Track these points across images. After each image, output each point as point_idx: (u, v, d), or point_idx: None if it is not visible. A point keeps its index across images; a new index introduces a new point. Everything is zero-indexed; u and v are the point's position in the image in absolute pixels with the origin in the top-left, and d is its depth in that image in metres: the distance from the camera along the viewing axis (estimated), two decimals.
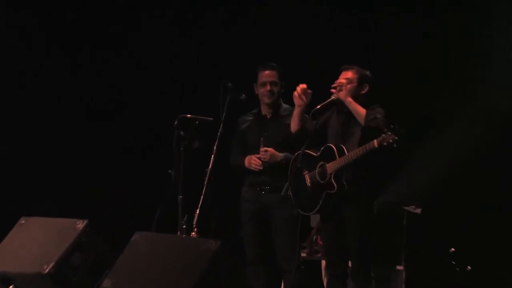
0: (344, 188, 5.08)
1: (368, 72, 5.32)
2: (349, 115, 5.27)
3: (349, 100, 5.13)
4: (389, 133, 4.77)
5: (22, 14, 6.62)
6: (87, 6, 6.73)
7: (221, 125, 5.61)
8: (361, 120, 5.04)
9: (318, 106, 5.25)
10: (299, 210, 5.29)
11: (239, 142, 5.90)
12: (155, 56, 6.88)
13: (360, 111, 5.10)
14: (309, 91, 5.32)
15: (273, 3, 6.54)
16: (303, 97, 5.32)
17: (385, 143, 4.80)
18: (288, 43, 6.34)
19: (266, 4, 6.59)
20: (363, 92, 5.33)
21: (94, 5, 6.77)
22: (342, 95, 5.16)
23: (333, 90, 5.25)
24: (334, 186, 5.05)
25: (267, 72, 5.77)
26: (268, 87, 5.79)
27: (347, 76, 5.28)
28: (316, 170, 5.23)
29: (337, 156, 5.11)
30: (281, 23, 6.52)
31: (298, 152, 5.27)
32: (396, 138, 4.75)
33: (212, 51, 6.79)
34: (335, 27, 6.40)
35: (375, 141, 4.84)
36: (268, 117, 5.80)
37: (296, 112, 5.37)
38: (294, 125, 5.38)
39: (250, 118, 5.90)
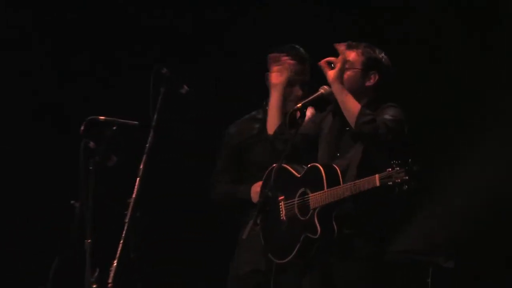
0: (332, 234, 4.43)
1: (382, 55, 4.68)
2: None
3: (337, 87, 4.49)
4: (397, 168, 4.22)
5: (22, 14, 6.93)
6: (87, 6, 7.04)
7: (151, 132, 4.89)
8: (351, 120, 4.43)
9: (299, 104, 4.56)
10: (270, 256, 4.70)
11: (229, 163, 5.31)
12: None
13: (351, 105, 4.47)
14: (289, 60, 4.95)
15: (273, 3, 6.72)
16: (281, 67, 4.91)
17: (391, 183, 4.24)
18: (287, 42, 5.77)
19: (266, 4, 6.75)
20: (369, 83, 4.63)
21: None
22: (330, 75, 4.53)
23: (322, 64, 4.66)
24: (317, 230, 4.43)
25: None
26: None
27: (348, 57, 4.63)
28: (296, 200, 4.59)
29: (325, 185, 4.46)
30: (281, 23, 6.64)
31: (272, 167, 4.66)
32: (407, 178, 4.19)
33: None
34: (335, 27, 6.49)
35: (376, 177, 4.28)
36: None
37: (274, 97, 4.90)
38: (272, 122, 4.88)
39: (256, 125, 5.28)
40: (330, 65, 4.60)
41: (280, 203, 4.70)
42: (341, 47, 4.66)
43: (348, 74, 4.59)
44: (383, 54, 4.70)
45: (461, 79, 6.31)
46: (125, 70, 7.06)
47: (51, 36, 7.04)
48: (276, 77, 4.93)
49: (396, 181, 4.22)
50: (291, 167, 4.72)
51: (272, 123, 4.92)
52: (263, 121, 5.18)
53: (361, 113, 4.42)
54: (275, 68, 4.98)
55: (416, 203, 6.08)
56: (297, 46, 5.23)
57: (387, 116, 4.42)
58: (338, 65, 4.53)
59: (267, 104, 5.15)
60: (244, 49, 6.78)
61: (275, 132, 4.87)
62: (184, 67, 5.55)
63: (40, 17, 6.99)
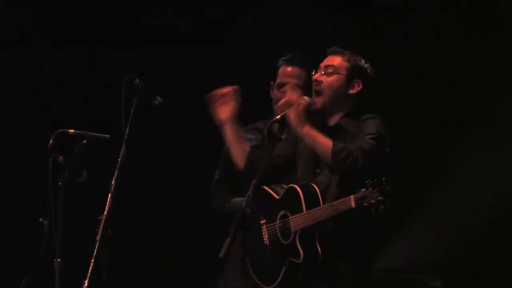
0: (317, 256, 4.33)
1: (366, 64, 4.59)
2: (330, 131, 4.51)
3: (302, 130, 4.41)
4: (371, 189, 4.14)
5: (22, 14, 6.91)
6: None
7: (124, 146, 4.79)
8: (327, 159, 4.31)
9: (278, 116, 4.49)
10: (257, 282, 4.57)
11: (227, 173, 5.21)
12: None
13: (323, 143, 4.36)
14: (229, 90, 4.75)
15: (273, 3, 6.68)
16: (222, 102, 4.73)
17: (366, 204, 4.15)
18: (287, 42, 6.05)
19: (266, 4, 6.70)
20: (352, 91, 4.52)
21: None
22: (290, 118, 4.44)
23: (279, 107, 4.64)
24: (300, 254, 4.34)
25: (289, 69, 5.11)
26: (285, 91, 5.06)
27: (331, 62, 4.55)
28: (277, 223, 4.48)
29: (303, 208, 4.36)
30: (281, 23, 6.61)
31: (253, 183, 4.49)
32: (381, 198, 4.10)
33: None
34: (335, 27, 6.43)
35: (351, 198, 4.18)
36: (283, 137, 4.80)
37: (229, 133, 4.72)
38: (237, 157, 4.74)
39: (253, 136, 5.17)
40: (289, 105, 4.52)
41: (263, 227, 4.64)
42: (326, 63, 4.62)
43: (332, 78, 4.49)
44: (368, 64, 4.63)
45: (461, 79, 6.30)
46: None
47: (51, 36, 7.01)
48: (222, 112, 4.80)
49: (371, 201, 4.16)
50: (270, 189, 4.65)
51: (238, 156, 4.82)
52: (265, 132, 5.01)
53: (335, 151, 4.32)
54: (217, 106, 4.82)
55: (402, 220, 6.05)
56: (298, 54, 5.18)
57: (366, 139, 4.32)
58: (295, 106, 4.43)
59: (271, 116, 5.02)
60: (244, 49, 6.74)
61: (245, 166, 4.78)
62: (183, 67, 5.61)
63: (40, 17, 6.94)
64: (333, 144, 4.32)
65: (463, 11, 6.26)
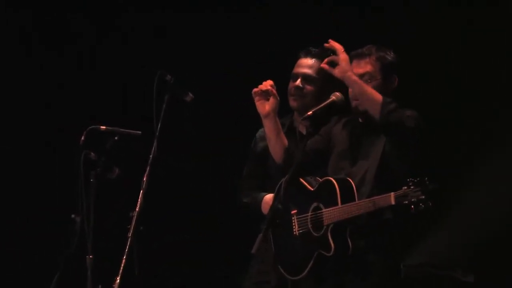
0: (347, 251, 4.35)
1: (392, 54, 4.57)
2: (365, 127, 4.51)
3: (351, 79, 4.37)
4: (413, 187, 4.16)
5: (22, 14, 6.93)
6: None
7: (155, 143, 4.83)
8: (375, 111, 4.33)
9: (310, 112, 4.41)
10: (283, 272, 4.61)
11: (255, 169, 5.18)
12: None
13: (372, 95, 4.37)
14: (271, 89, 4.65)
15: (273, 3, 6.66)
16: (269, 97, 4.64)
17: (406, 202, 4.17)
18: (287, 42, 6.01)
19: (266, 4, 6.68)
20: (393, 87, 4.55)
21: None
22: (338, 72, 4.40)
23: (325, 66, 4.48)
24: (331, 247, 4.34)
25: (304, 60, 5.03)
26: (298, 82, 4.98)
27: (363, 70, 4.50)
28: (309, 214, 4.46)
29: (339, 201, 4.37)
30: (281, 23, 6.58)
31: (283, 179, 4.47)
32: (423, 197, 4.13)
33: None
34: (335, 27, 6.23)
35: (392, 195, 4.21)
36: (305, 133, 4.74)
37: (268, 127, 4.66)
38: (274, 152, 4.69)
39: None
40: (333, 64, 4.48)
41: (293, 217, 4.62)
42: (335, 44, 4.54)
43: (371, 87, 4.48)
44: (392, 53, 4.60)
45: (461, 79, 6.27)
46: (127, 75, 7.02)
47: (51, 36, 7.06)
48: (264, 106, 4.76)
49: (412, 200, 4.17)
50: (304, 180, 4.62)
51: (277, 151, 4.78)
52: (288, 128, 5.09)
53: (384, 102, 4.30)
54: (260, 100, 4.79)
55: (432, 216, 5.73)
56: (316, 48, 5.12)
57: (408, 113, 4.33)
58: (342, 57, 4.40)
59: (291, 112, 5.06)
60: (244, 48, 6.70)
61: (283, 160, 4.75)
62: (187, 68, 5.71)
63: (40, 17, 6.95)
64: (383, 97, 4.32)
65: (463, 11, 6.22)
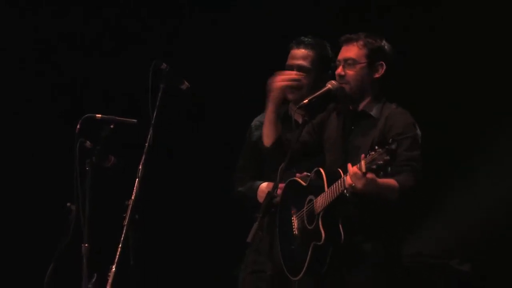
0: (339, 239, 4.27)
1: (382, 42, 4.50)
2: (356, 116, 4.51)
3: (370, 187, 4.24)
4: (380, 150, 4.07)
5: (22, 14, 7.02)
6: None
7: (151, 131, 4.85)
8: (394, 196, 4.28)
9: (306, 101, 4.42)
10: (287, 274, 4.56)
11: (250, 158, 5.17)
12: None
13: (389, 188, 4.28)
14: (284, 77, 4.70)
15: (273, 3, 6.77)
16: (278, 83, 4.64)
17: (374, 166, 4.09)
18: (287, 42, 5.68)
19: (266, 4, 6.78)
20: (377, 75, 4.47)
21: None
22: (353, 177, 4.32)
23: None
24: (322, 235, 4.27)
25: (296, 51, 5.04)
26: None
27: (349, 54, 4.48)
28: (304, 209, 4.45)
29: (325, 186, 4.33)
30: (281, 23, 6.59)
31: (280, 166, 4.50)
32: (388, 158, 4.04)
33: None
34: (334, 27, 6.18)
35: (362, 163, 4.12)
36: (301, 121, 4.72)
37: (269, 110, 4.64)
38: (267, 134, 4.68)
39: None
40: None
41: (293, 218, 4.62)
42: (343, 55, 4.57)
43: (354, 69, 4.44)
44: (384, 41, 4.55)
45: (461, 80, 6.31)
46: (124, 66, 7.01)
47: (50, 36, 7.12)
48: (275, 91, 4.74)
49: (379, 163, 4.11)
50: (299, 178, 4.63)
51: (269, 135, 4.78)
52: (283, 118, 5.02)
53: (402, 188, 4.26)
54: (276, 83, 4.77)
55: (427, 205, 5.96)
56: (307, 37, 5.13)
57: (411, 163, 4.27)
58: (364, 160, 4.23)
59: (291, 104, 5.04)
60: (243, 48, 6.73)
61: (271, 145, 4.74)
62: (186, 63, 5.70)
63: (40, 17, 7.01)
64: (397, 183, 4.26)
65: (463, 11, 6.23)
